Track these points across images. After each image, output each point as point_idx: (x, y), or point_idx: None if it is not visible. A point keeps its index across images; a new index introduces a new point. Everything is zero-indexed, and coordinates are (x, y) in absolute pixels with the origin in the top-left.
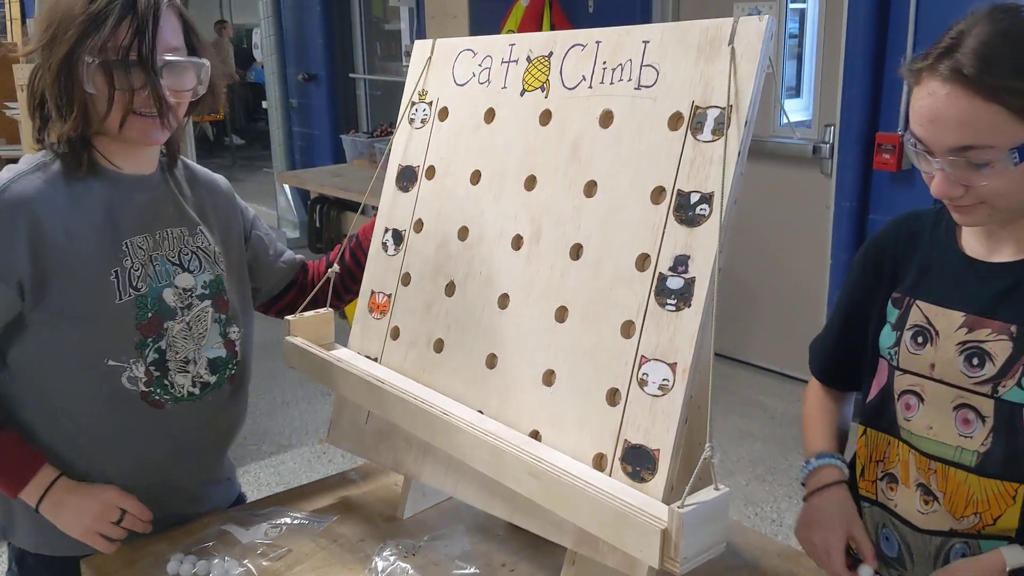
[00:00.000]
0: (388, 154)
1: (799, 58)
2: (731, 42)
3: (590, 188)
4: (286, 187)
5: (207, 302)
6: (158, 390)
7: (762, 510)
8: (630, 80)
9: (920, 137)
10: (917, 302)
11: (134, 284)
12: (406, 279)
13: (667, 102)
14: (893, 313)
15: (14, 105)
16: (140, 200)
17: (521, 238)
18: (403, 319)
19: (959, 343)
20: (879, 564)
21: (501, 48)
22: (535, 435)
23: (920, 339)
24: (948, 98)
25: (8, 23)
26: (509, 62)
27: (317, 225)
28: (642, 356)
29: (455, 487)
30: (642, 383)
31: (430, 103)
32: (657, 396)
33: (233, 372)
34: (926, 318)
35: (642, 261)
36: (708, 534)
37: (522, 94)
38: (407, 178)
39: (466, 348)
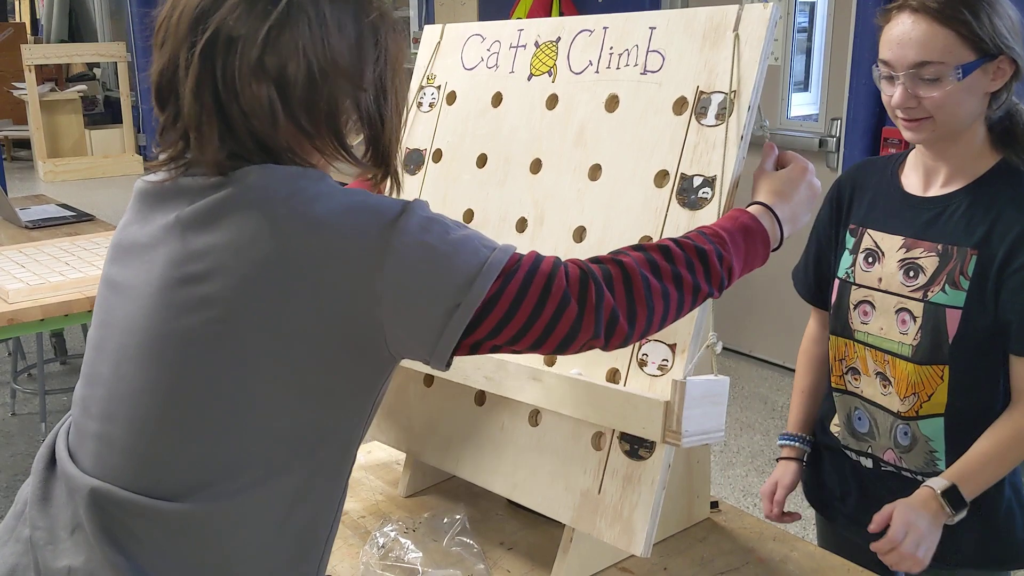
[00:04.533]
0: None
1: (808, 52)
2: (736, 29)
3: (594, 172)
4: None
5: None
6: None
7: (760, 501)
8: (636, 65)
9: (887, 60)
10: (868, 230)
11: None
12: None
13: (672, 87)
14: (850, 241)
15: (21, 85)
16: None
17: (525, 221)
18: None
19: (899, 260)
20: (852, 439)
21: (510, 33)
22: (534, 416)
23: (870, 259)
24: (913, 24)
25: (17, 3)
26: (517, 47)
27: None
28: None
29: (456, 465)
30: (642, 363)
31: (438, 87)
32: (656, 376)
33: None
34: (874, 242)
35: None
36: (708, 416)
37: (529, 79)
38: (414, 161)
39: None
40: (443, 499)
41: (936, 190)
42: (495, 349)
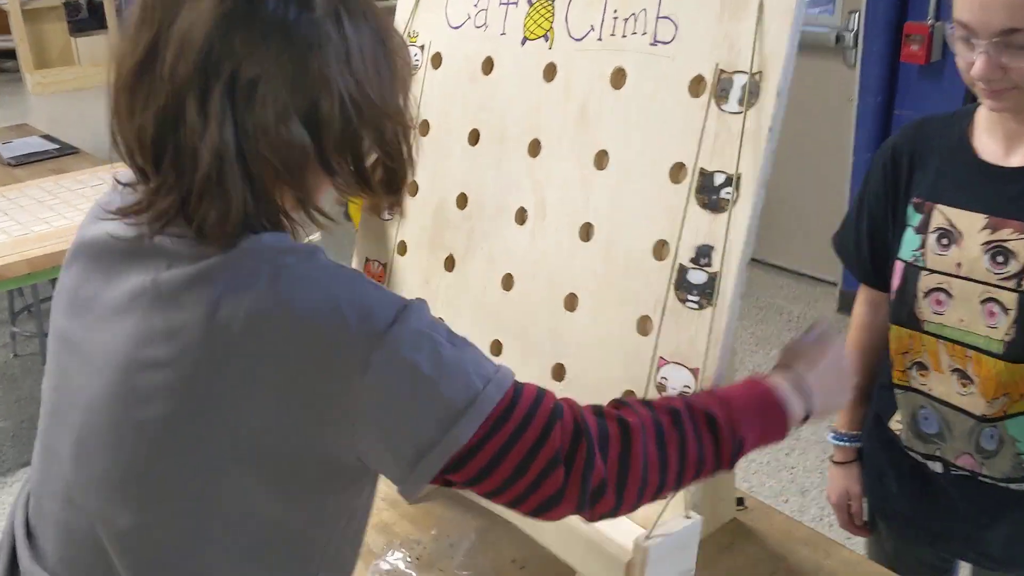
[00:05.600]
0: None
1: None
2: None
3: (600, 159)
4: None
5: None
6: None
7: (793, 512)
8: (644, 33)
9: (966, 22)
10: (938, 206)
11: None
12: (402, 248)
13: (687, 63)
14: (915, 217)
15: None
16: None
17: (525, 211)
18: (400, 292)
19: (984, 243)
20: (918, 441)
21: None
22: None
23: (945, 241)
24: None
25: None
26: (508, 4)
27: None
28: (660, 357)
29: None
30: (660, 388)
31: (421, 47)
32: None
33: None
34: (948, 220)
35: (660, 249)
36: (675, 565)
37: (523, 43)
38: None
39: (468, 331)
40: (450, 508)
41: (1022, 158)
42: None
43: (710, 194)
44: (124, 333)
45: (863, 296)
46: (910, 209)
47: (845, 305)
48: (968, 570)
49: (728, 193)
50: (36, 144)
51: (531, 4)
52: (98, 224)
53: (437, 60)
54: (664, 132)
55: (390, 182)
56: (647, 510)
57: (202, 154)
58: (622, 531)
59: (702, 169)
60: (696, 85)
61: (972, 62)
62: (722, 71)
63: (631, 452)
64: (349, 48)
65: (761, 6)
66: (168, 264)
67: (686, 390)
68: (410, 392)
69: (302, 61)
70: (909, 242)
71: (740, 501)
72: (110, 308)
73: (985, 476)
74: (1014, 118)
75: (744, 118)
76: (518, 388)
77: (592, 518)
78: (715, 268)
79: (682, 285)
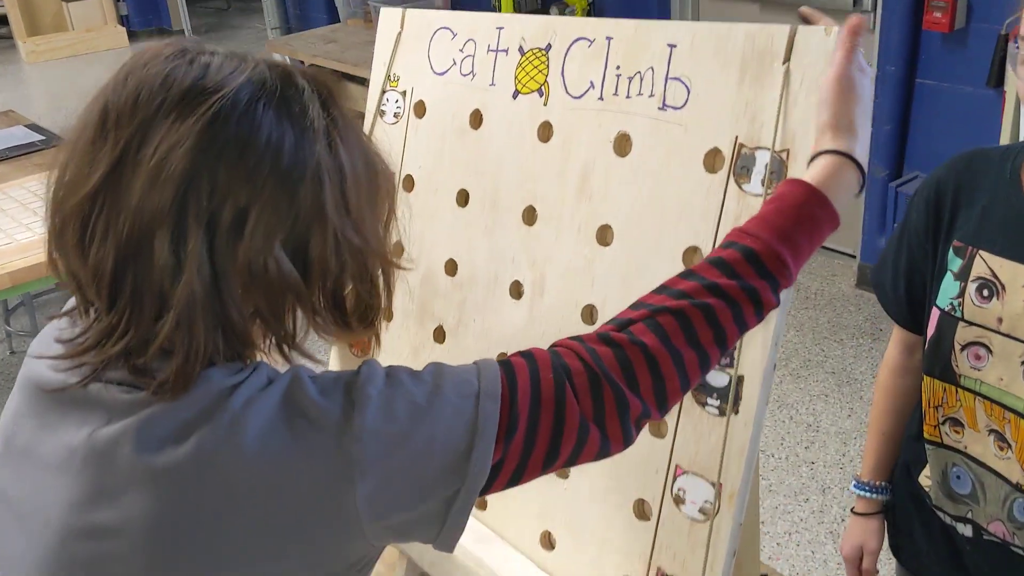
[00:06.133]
0: None
1: None
2: (787, 60)
3: (604, 234)
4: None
5: None
6: None
7: (796, 412)
8: (652, 96)
9: None
10: (980, 252)
11: None
12: (388, 315)
13: (701, 132)
14: (955, 262)
15: None
16: None
17: (521, 286)
18: (388, 362)
19: None
20: (948, 501)
21: (487, 31)
22: (547, 538)
23: (986, 292)
24: None
25: None
26: (497, 51)
27: None
28: (677, 466)
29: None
30: (677, 500)
31: (403, 92)
32: (698, 521)
33: None
34: (991, 270)
35: None
36: None
37: (515, 96)
38: None
39: None
40: None
41: None
42: None
43: None
44: (62, 496)
45: (897, 337)
46: (951, 252)
47: (863, 280)
48: None
49: None
50: (20, 136)
51: (523, 53)
52: (41, 357)
53: (421, 108)
54: (676, 209)
55: (364, 316)
56: None
57: (172, 297)
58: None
59: None
60: (712, 158)
61: None
62: (742, 145)
63: (662, 371)
64: (344, 178)
65: (787, 74)
66: (109, 417)
67: (707, 506)
68: (410, 463)
69: (295, 193)
70: (947, 289)
71: None
72: (45, 462)
73: (1017, 547)
74: None
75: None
76: (510, 380)
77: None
78: (740, 371)
79: (702, 387)
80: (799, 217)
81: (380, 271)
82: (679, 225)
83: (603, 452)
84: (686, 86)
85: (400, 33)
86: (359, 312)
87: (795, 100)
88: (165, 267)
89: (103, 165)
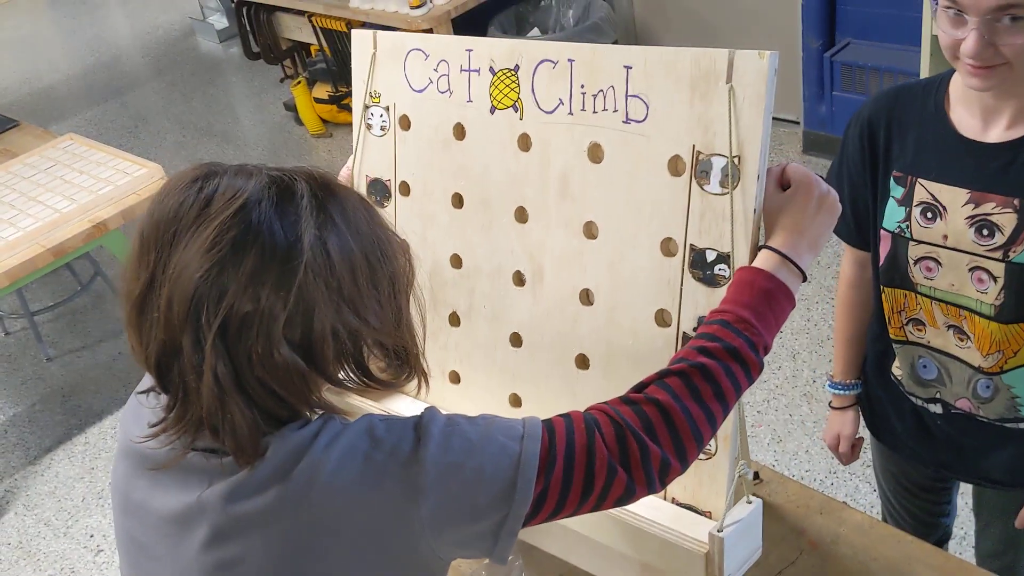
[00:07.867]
0: (354, 162)
1: None
2: (729, 80)
3: (589, 228)
4: None
5: None
6: None
7: (787, 379)
8: (616, 111)
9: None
10: (920, 180)
11: None
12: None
13: (663, 142)
14: (897, 190)
15: None
16: None
17: (523, 274)
18: None
19: (968, 217)
20: (918, 387)
21: (457, 53)
22: None
23: (929, 214)
24: None
25: None
26: (469, 71)
27: (248, 29)
28: None
29: None
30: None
31: (387, 108)
32: (701, 459)
33: None
34: (931, 195)
35: (661, 317)
36: (746, 546)
37: (492, 111)
38: (379, 192)
39: (483, 384)
40: None
41: (1000, 133)
42: None
43: (704, 269)
44: (191, 544)
45: (850, 256)
46: (891, 181)
47: (810, 145)
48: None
49: (722, 270)
50: None
51: (494, 73)
52: (136, 426)
53: (405, 122)
54: (649, 207)
55: (400, 367)
56: (716, 502)
57: (202, 387)
58: (692, 524)
59: (692, 245)
60: (675, 164)
61: (958, 39)
62: (699, 152)
63: (676, 423)
64: (333, 268)
65: (732, 92)
66: (210, 479)
67: (708, 448)
68: (463, 488)
69: (289, 290)
70: (893, 213)
71: (756, 475)
72: (162, 517)
73: (982, 417)
74: (992, 93)
75: (731, 199)
76: (549, 429)
77: (667, 485)
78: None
79: None
80: (752, 289)
81: (401, 344)
82: (653, 221)
83: (628, 492)
84: (644, 102)
85: (374, 53)
86: (394, 367)
87: (740, 114)
88: (192, 363)
89: (142, 280)
